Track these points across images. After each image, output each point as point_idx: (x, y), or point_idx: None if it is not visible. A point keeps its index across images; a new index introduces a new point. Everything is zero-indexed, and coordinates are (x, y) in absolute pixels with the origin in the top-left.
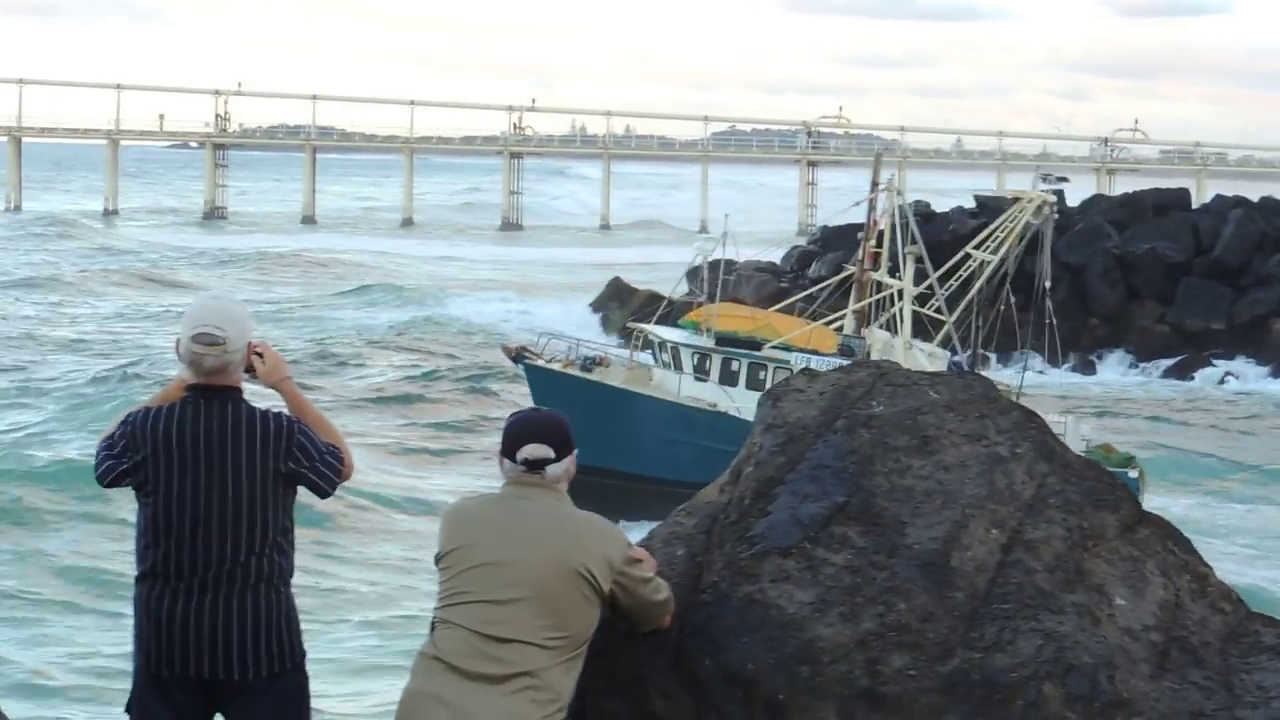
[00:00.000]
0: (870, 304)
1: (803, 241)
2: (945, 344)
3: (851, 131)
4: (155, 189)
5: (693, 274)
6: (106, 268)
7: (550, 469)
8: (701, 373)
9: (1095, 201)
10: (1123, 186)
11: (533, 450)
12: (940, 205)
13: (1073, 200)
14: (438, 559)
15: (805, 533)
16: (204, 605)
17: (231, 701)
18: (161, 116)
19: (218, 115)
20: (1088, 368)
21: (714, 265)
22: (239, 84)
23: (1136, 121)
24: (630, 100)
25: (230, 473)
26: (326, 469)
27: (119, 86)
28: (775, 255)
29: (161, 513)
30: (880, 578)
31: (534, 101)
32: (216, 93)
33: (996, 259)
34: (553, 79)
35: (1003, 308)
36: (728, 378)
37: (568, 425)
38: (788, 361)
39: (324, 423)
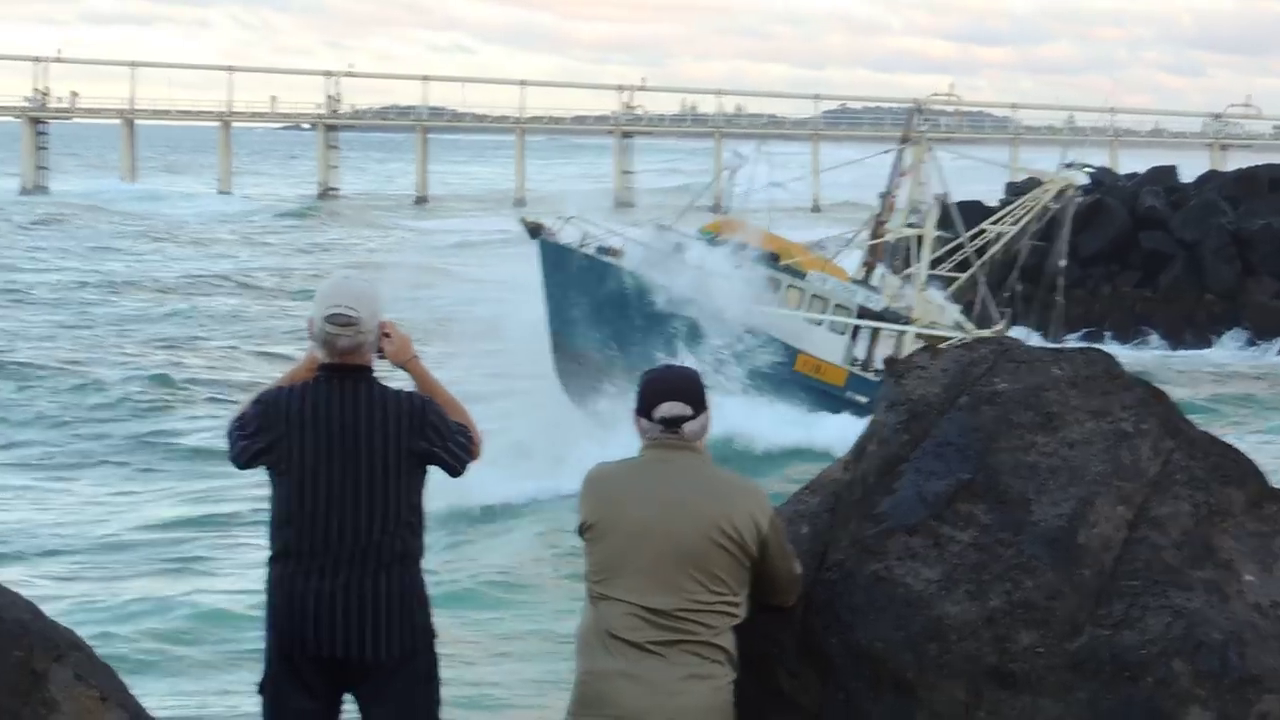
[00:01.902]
0: (885, 251)
1: (915, 219)
2: (961, 303)
3: (962, 109)
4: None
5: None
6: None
7: (687, 426)
8: None
9: (1209, 177)
10: (1236, 163)
11: (670, 408)
12: None
13: (1186, 176)
14: (582, 529)
15: (931, 510)
16: (336, 585)
17: (363, 681)
18: (273, 98)
19: (329, 97)
20: (1203, 344)
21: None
22: (350, 65)
23: (1249, 97)
24: (741, 78)
25: (363, 452)
26: (457, 448)
27: (230, 69)
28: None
29: (295, 492)
30: (1007, 555)
31: (644, 80)
32: (328, 74)
33: (1014, 230)
34: (664, 58)
35: (1018, 288)
36: None
37: (701, 380)
38: (801, 280)
39: (454, 403)
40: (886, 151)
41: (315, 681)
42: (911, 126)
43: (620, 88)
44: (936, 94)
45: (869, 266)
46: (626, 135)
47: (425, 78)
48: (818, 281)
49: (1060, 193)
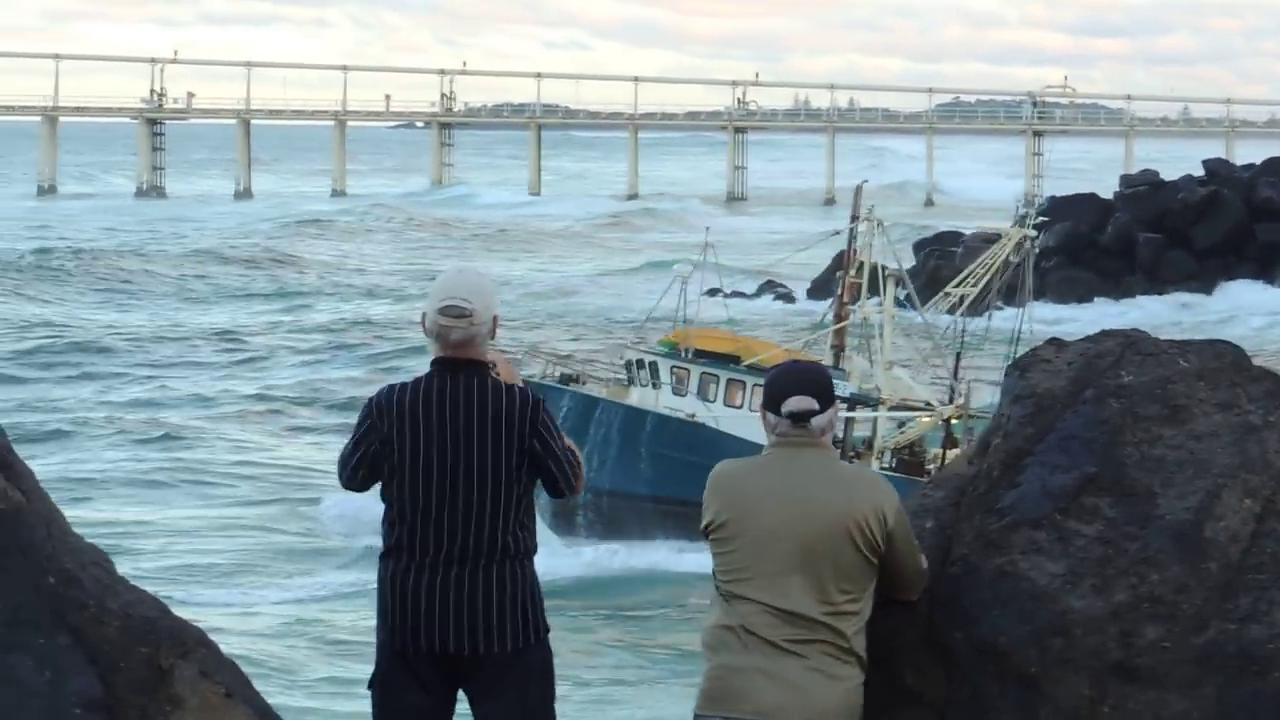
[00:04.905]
0: (847, 335)
1: (1030, 213)
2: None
3: (1077, 101)
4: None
5: (920, 247)
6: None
7: (814, 421)
8: (680, 387)
9: None
10: None
11: (797, 403)
12: (1168, 174)
13: None
14: (707, 529)
15: (1056, 504)
16: (449, 580)
17: (475, 676)
18: (388, 97)
19: (443, 95)
20: None
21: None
22: (464, 63)
23: None
24: (855, 72)
25: (476, 446)
26: (566, 464)
27: (345, 68)
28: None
29: (408, 487)
30: (1132, 549)
31: (757, 76)
32: (442, 72)
33: (975, 292)
34: (779, 52)
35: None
36: (706, 393)
37: (830, 377)
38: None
39: (562, 434)
40: (837, 233)
41: (430, 677)
42: (1031, 117)
43: (734, 83)
44: (1050, 86)
45: (837, 350)
46: (740, 130)
47: (539, 75)
48: None
49: (1018, 246)
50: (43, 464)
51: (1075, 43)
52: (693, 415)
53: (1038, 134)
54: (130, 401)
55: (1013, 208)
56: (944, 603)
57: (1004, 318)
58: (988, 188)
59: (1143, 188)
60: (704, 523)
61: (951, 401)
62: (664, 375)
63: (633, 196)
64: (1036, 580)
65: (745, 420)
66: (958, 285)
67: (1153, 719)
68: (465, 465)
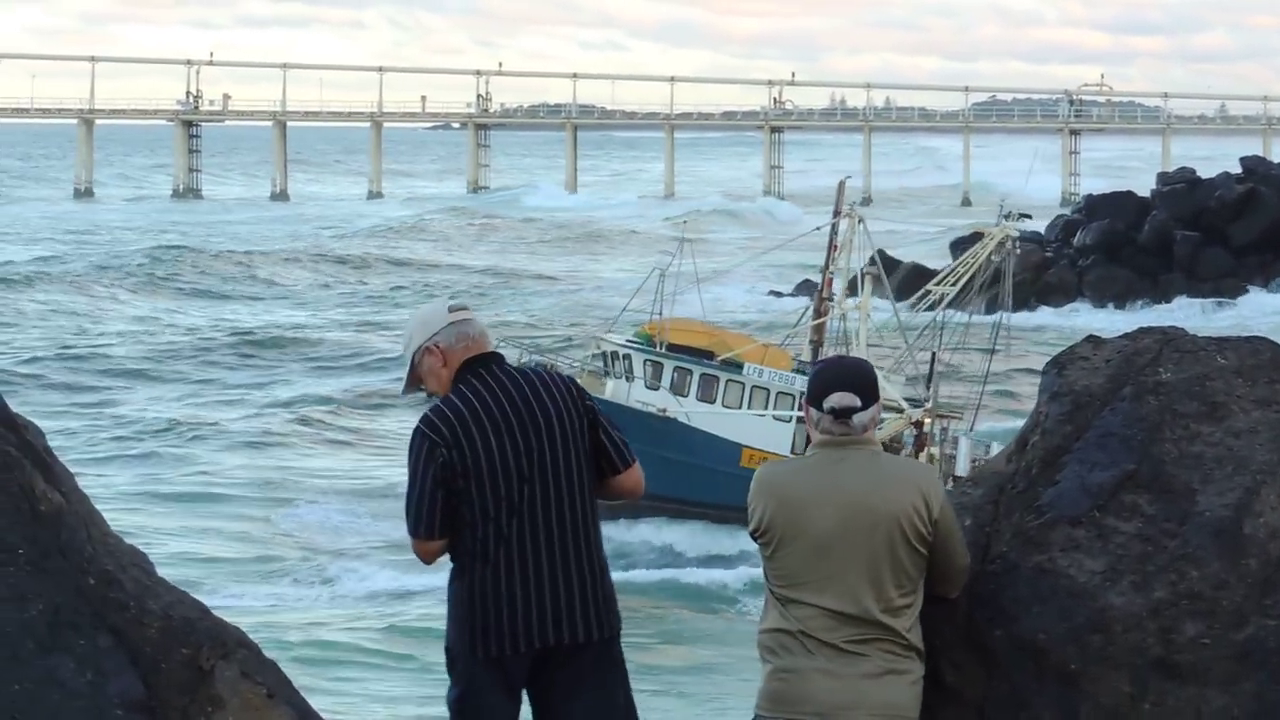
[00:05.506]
0: (826, 329)
1: (1066, 211)
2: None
3: (1114, 99)
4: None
5: (957, 245)
6: None
7: (856, 418)
8: (654, 381)
9: None
10: None
11: (840, 399)
12: (1205, 171)
13: None
14: (756, 532)
15: (1094, 501)
16: (542, 571)
17: (561, 670)
18: (423, 98)
19: (479, 96)
20: None
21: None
22: (500, 64)
23: None
24: (891, 71)
25: (545, 432)
26: (620, 439)
27: (381, 69)
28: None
29: (489, 491)
30: (1172, 546)
31: (793, 75)
32: (478, 73)
33: (955, 291)
34: (815, 51)
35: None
36: (680, 387)
37: (874, 373)
38: (739, 374)
39: None
40: (819, 229)
41: (518, 679)
42: (1068, 116)
43: (770, 83)
44: (1087, 84)
45: (816, 345)
46: (776, 130)
47: (574, 75)
48: (755, 374)
49: (1000, 245)
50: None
51: (1112, 41)
52: (664, 410)
53: (1074, 132)
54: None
55: (1056, 205)
56: (983, 600)
57: (1013, 317)
58: (1042, 186)
59: (1180, 185)
60: (751, 527)
61: (926, 403)
62: (637, 368)
63: (669, 196)
64: (1076, 577)
65: (718, 416)
66: (938, 283)
67: (1193, 715)
68: (539, 454)
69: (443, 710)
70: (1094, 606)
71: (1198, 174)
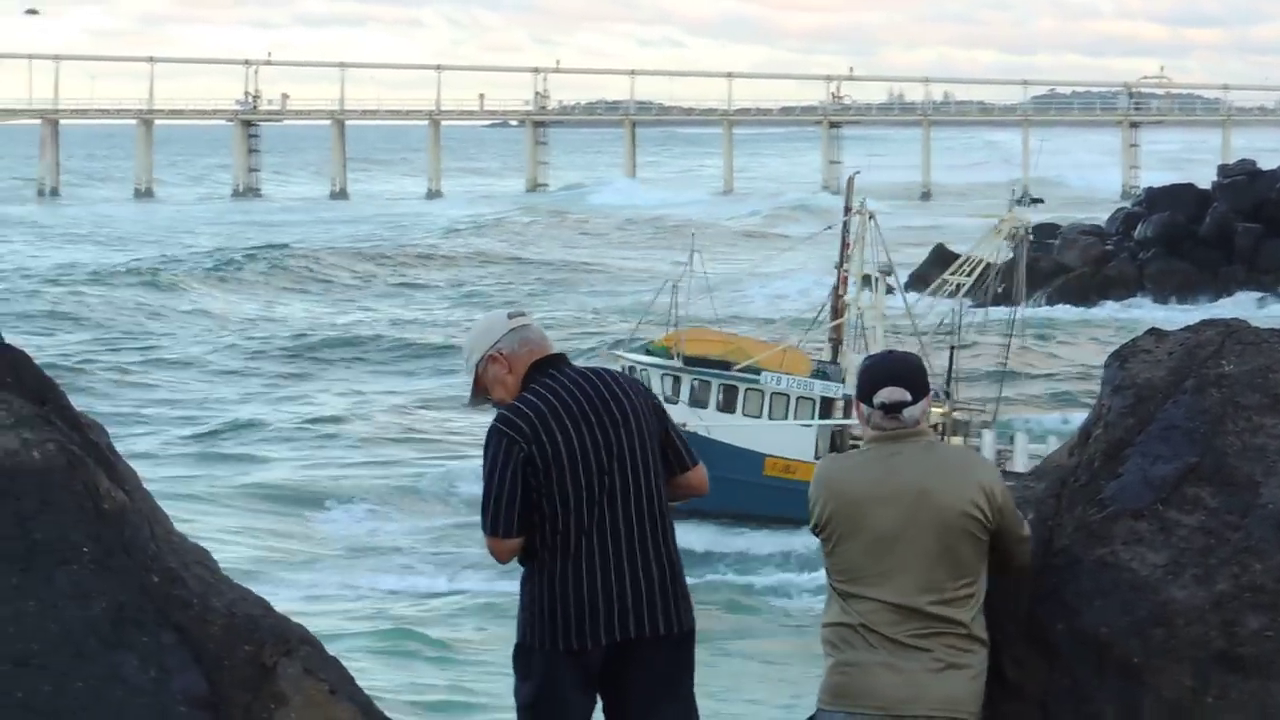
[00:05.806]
0: (845, 328)
1: (1127, 204)
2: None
3: (1173, 91)
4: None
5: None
6: None
7: (907, 412)
8: (673, 395)
9: None
10: None
11: (889, 393)
12: (1267, 163)
13: None
14: (817, 528)
15: (1157, 494)
16: (622, 562)
17: (634, 662)
18: (482, 96)
19: (537, 93)
20: None
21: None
22: (557, 61)
23: None
24: (949, 65)
25: (621, 426)
26: (685, 440)
27: (439, 67)
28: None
29: (570, 486)
30: (1234, 538)
31: (851, 70)
32: (535, 70)
33: (970, 281)
34: (872, 46)
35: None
36: (700, 399)
37: (923, 367)
38: (758, 382)
39: None
40: (829, 228)
41: (593, 675)
42: (1127, 108)
43: (828, 78)
44: (1146, 77)
45: (835, 344)
46: (834, 125)
47: (632, 72)
48: (773, 381)
49: (1012, 233)
50: None
51: (1171, 33)
52: (683, 424)
53: (1134, 125)
54: None
55: (1117, 198)
56: (1045, 594)
57: (1026, 312)
58: (1109, 180)
59: (1240, 177)
60: (812, 523)
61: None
62: (656, 383)
63: (728, 191)
64: (1138, 571)
65: (738, 428)
66: (953, 273)
67: (1257, 709)
68: (618, 447)
69: (470, 701)
70: (1156, 600)
71: (1259, 166)
